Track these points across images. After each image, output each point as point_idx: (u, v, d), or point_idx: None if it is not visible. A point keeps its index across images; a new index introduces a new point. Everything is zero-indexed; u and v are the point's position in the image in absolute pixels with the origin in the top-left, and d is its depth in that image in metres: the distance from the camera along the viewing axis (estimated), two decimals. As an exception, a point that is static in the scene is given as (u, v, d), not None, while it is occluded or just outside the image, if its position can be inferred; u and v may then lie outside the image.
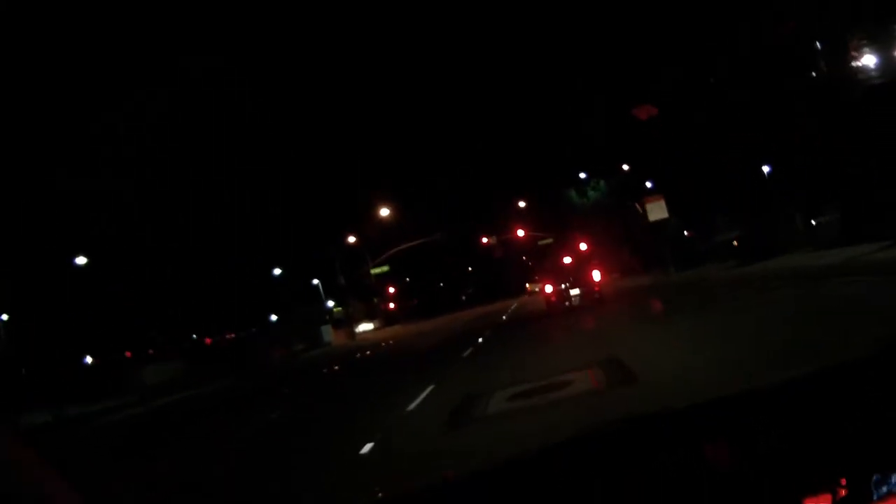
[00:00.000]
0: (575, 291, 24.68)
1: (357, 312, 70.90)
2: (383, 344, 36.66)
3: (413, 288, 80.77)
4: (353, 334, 52.80)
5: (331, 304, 73.52)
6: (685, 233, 40.47)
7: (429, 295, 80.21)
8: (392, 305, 69.09)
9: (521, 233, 67.70)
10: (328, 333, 52.97)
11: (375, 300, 66.01)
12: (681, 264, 34.75)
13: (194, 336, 57.19)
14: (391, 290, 67.60)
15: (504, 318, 32.80)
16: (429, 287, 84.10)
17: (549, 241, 67.82)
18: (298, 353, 46.12)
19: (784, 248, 23.18)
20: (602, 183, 63.94)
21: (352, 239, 62.87)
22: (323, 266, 54.25)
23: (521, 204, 68.07)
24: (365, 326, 66.14)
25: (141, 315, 48.40)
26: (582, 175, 68.48)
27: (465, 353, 16.63)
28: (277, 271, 54.60)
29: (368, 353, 30.99)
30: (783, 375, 1.79)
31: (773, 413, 1.58)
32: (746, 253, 26.67)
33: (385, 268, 52.74)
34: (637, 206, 46.97)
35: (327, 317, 56.16)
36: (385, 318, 67.34)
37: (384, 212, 51.27)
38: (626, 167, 54.53)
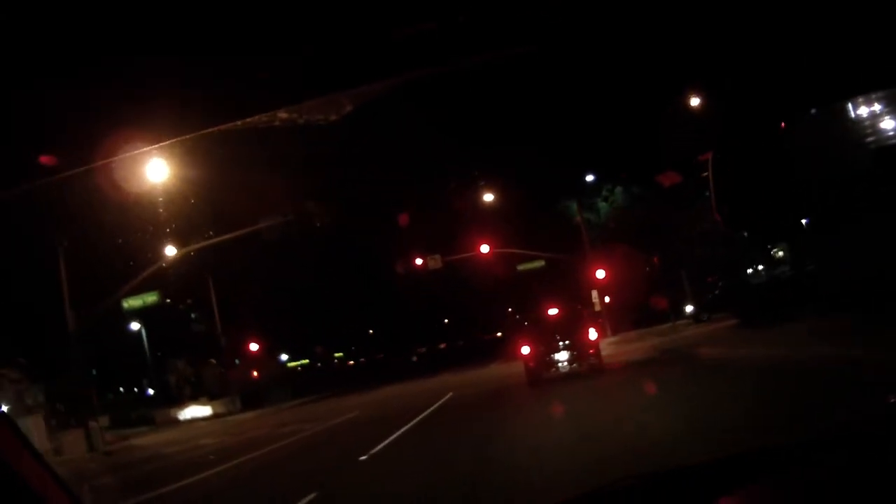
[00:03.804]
0: (563, 355, 19.49)
1: (203, 384, 41.59)
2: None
3: (326, 345, 51.30)
4: (90, 439, 23.77)
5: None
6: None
7: (351, 355, 50.81)
8: (255, 373, 39.67)
9: (485, 248, 39.68)
10: (34, 434, 23.43)
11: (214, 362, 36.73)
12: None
13: None
14: (253, 346, 38.24)
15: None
16: (357, 344, 54.80)
17: (539, 264, 40.08)
18: None
19: None
20: (618, 191, 46.48)
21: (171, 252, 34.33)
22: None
23: (488, 198, 39.39)
24: (198, 411, 36.90)
25: None
26: (589, 178, 46.08)
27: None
28: None
29: None
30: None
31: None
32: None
33: (152, 296, 24.37)
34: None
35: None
36: (243, 396, 38.11)
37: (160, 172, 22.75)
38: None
